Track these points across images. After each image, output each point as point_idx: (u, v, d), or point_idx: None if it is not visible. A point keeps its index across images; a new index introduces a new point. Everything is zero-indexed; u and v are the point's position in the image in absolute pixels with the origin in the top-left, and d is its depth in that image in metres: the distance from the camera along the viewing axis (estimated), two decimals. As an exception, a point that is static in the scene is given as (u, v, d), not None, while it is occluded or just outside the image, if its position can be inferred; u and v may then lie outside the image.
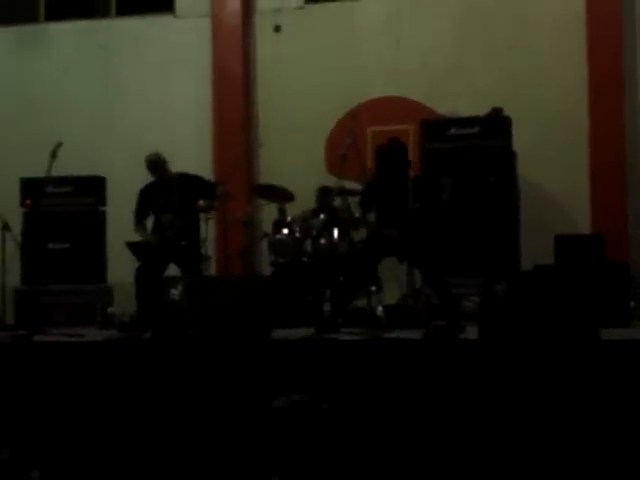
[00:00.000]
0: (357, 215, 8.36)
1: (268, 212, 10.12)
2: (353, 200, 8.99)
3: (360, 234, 8.70)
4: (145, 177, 8.75)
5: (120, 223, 9.02)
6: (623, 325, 7.71)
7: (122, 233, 8.71)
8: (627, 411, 6.21)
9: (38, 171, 8.78)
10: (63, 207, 10.08)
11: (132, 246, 8.50)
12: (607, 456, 6.13)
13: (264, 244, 9.81)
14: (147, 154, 8.70)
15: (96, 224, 10.06)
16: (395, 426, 6.47)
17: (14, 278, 9.69)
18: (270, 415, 3.41)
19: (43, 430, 6.96)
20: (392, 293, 9.19)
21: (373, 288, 8.49)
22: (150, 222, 8.79)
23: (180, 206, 8.57)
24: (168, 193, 8.64)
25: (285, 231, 9.08)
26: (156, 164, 8.68)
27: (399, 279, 9.40)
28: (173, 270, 8.63)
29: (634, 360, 6.39)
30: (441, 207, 7.93)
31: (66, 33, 12.18)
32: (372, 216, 7.95)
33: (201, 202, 8.62)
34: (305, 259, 8.93)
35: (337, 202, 9.33)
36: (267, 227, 9.85)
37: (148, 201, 8.74)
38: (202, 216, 8.79)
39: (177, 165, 8.93)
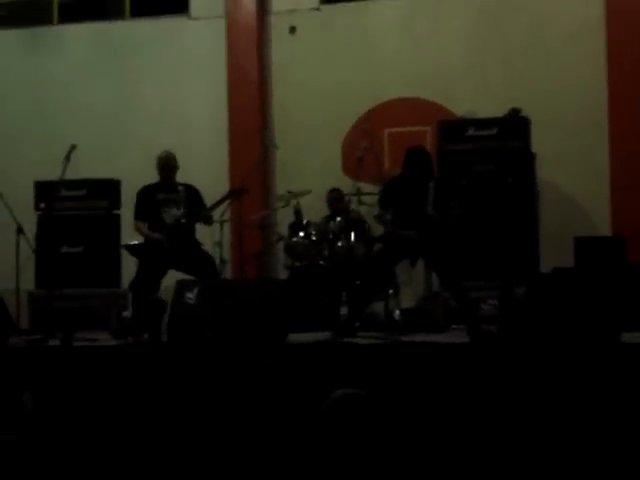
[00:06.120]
0: (375, 213, 8.22)
1: (284, 215, 10.02)
2: (370, 199, 8.96)
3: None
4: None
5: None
6: (645, 328, 7.59)
7: (136, 236, 8.61)
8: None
9: (52, 174, 8.73)
10: (77, 210, 9.99)
11: (131, 248, 8.38)
12: (625, 460, 6.05)
13: (280, 247, 9.74)
14: (161, 152, 8.50)
15: (110, 227, 9.97)
16: (413, 431, 6.39)
17: (28, 282, 9.62)
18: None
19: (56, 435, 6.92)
20: (408, 297, 9.10)
21: (390, 291, 8.41)
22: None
23: (187, 205, 8.31)
24: (173, 192, 8.35)
25: (301, 234, 9.00)
26: (171, 162, 8.42)
27: (415, 282, 9.30)
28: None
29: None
30: (454, 218, 7.82)
31: (80, 35, 12.14)
32: (389, 215, 7.84)
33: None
34: (321, 262, 8.85)
35: (352, 204, 9.30)
36: (283, 230, 9.77)
37: (150, 198, 8.38)
38: (218, 218, 8.72)
39: (193, 167, 8.84)
